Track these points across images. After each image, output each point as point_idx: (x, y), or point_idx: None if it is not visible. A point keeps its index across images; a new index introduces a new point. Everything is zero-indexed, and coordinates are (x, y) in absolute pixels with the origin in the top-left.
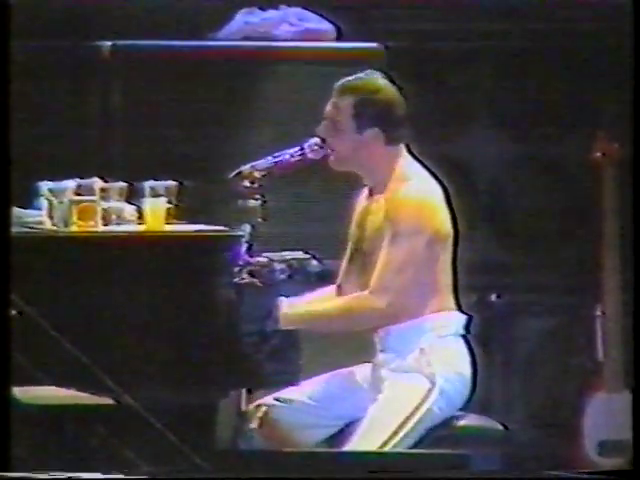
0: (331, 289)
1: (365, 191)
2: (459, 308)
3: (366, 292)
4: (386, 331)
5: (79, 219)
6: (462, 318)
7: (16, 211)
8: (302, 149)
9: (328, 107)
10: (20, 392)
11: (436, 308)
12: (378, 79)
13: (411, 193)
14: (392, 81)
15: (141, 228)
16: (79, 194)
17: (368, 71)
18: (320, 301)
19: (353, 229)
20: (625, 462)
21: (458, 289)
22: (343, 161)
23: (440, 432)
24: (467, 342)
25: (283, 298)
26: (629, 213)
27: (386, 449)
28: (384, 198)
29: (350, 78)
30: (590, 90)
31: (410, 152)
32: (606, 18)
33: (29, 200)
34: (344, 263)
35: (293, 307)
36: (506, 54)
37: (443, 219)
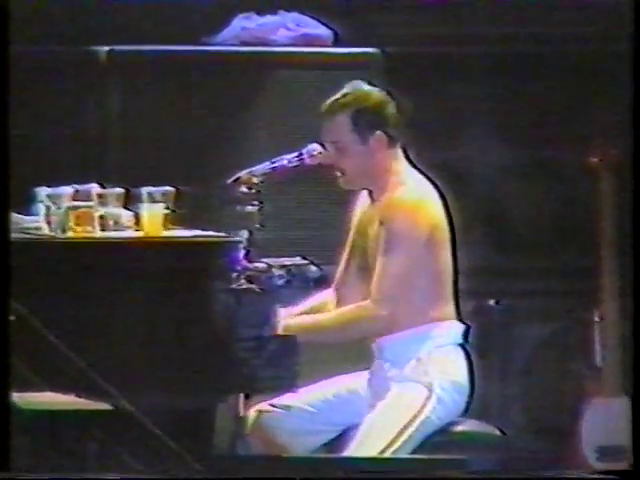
0: (328, 293)
1: (364, 195)
2: (459, 317)
3: (367, 301)
4: (385, 339)
5: (76, 225)
6: (461, 328)
7: (14, 217)
8: (300, 155)
9: (324, 133)
10: (16, 397)
11: (436, 317)
12: (364, 87)
13: (406, 196)
14: (375, 85)
15: (139, 234)
16: (76, 200)
17: (351, 83)
18: (320, 311)
19: (352, 234)
20: (624, 466)
21: (459, 298)
22: (355, 180)
23: (438, 437)
24: (465, 351)
25: (282, 309)
26: (628, 217)
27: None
28: (380, 203)
29: (336, 97)
30: (588, 95)
31: (407, 157)
32: (605, 22)
33: (27, 206)
34: (341, 267)
35: (293, 318)
36: (504, 58)
37: (439, 222)
